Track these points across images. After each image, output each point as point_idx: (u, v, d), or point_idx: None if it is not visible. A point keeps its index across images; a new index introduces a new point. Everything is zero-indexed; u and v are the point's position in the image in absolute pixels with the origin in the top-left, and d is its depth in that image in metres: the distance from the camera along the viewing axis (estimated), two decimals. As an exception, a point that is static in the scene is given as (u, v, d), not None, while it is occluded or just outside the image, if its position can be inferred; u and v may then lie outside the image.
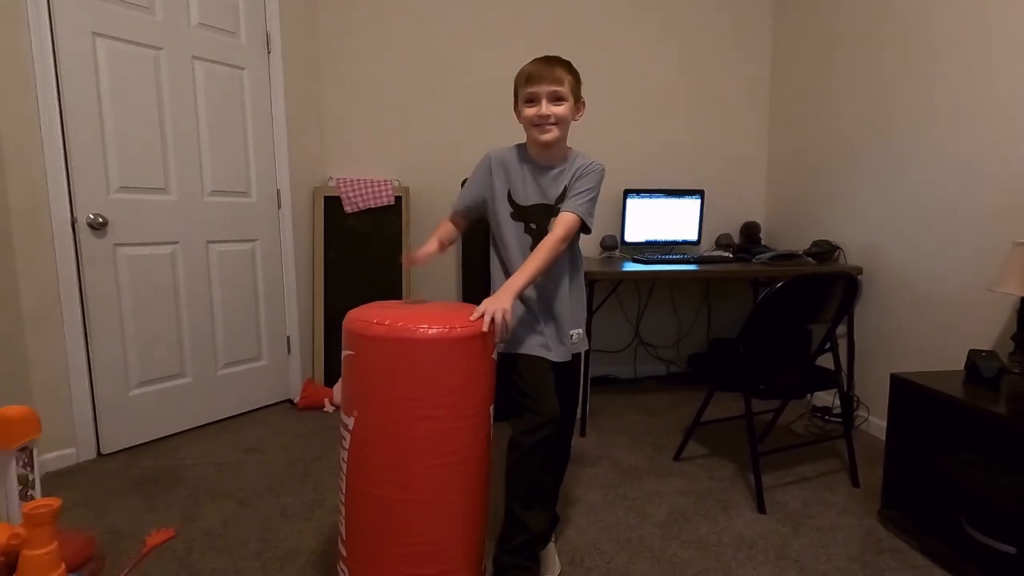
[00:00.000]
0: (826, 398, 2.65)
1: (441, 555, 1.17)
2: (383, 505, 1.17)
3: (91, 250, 2.06)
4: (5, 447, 1.13)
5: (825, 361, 2.09)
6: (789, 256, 2.58)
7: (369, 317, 1.17)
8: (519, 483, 1.29)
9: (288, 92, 2.60)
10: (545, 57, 1.37)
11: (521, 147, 1.45)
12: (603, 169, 1.42)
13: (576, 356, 1.49)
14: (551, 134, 1.35)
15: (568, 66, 1.37)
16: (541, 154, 1.41)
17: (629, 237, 2.94)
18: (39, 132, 1.91)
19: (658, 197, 2.95)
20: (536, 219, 1.41)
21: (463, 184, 1.53)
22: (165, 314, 2.27)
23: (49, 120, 1.93)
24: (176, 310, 2.31)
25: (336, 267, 2.78)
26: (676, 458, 2.17)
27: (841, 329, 2.32)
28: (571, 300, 1.45)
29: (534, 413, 1.29)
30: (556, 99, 1.34)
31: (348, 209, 2.77)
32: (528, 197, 1.42)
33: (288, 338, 2.71)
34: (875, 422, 2.39)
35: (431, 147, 2.90)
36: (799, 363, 2.12)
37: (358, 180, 2.79)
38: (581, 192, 1.37)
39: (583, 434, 2.39)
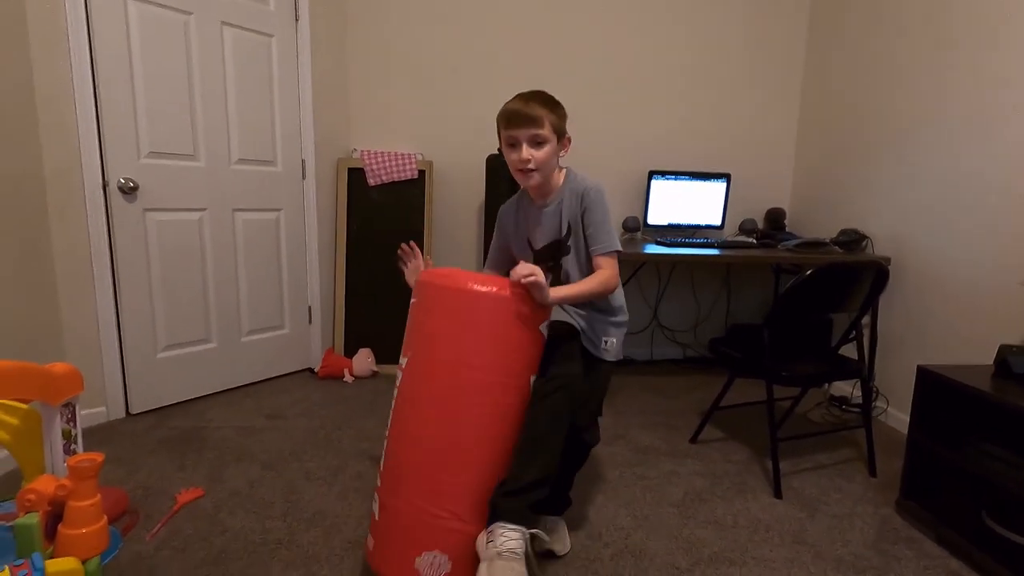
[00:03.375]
0: (844, 387, 2.64)
1: (451, 498, 1.20)
2: (412, 441, 1.23)
3: (122, 214, 2.08)
4: (51, 402, 1.17)
5: (847, 350, 2.08)
6: (816, 244, 2.55)
7: (439, 272, 1.28)
8: (528, 427, 1.24)
9: (315, 61, 2.58)
10: (524, 95, 1.33)
11: (523, 192, 1.49)
12: (602, 190, 1.39)
13: (607, 363, 1.50)
14: (533, 180, 1.35)
15: (549, 103, 1.33)
16: (535, 193, 1.44)
17: (652, 219, 2.92)
18: (72, 94, 1.92)
19: (683, 179, 2.91)
20: (551, 255, 1.45)
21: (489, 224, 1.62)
22: (192, 280, 2.30)
23: (82, 82, 1.94)
24: (203, 276, 2.34)
25: (359, 239, 2.79)
26: (692, 440, 2.19)
27: (863, 319, 2.30)
28: (604, 312, 1.48)
29: (556, 367, 1.29)
30: (536, 142, 1.31)
31: (371, 182, 2.77)
32: (541, 238, 1.45)
33: (310, 308, 2.74)
34: (893, 413, 2.39)
35: (456, 121, 2.88)
36: (820, 352, 2.11)
37: (382, 153, 2.78)
38: (595, 225, 1.37)
39: (599, 414, 2.40)
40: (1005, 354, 1.59)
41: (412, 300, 1.31)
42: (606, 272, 1.36)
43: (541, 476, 1.21)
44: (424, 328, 1.26)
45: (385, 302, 2.77)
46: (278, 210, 2.57)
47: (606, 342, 1.48)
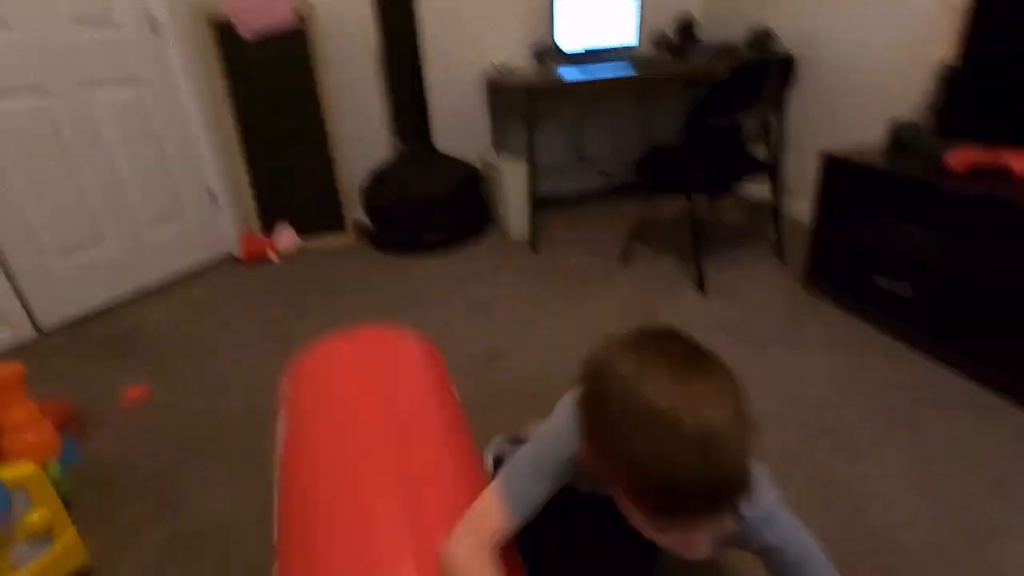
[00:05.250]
0: (756, 188, 2.82)
1: None
2: None
3: (-59, 105, 1.71)
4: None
5: (758, 160, 2.17)
6: (728, 51, 2.51)
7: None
8: None
9: None
10: (716, 468, 0.56)
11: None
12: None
13: None
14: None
15: (748, 455, 0.58)
16: None
17: (564, 46, 2.74)
18: None
19: (591, -7, 2.70)
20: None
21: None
22: (54, 174, 2.00)
23: None
24: (68, 168, 2.03)
25: (248, 107, 2.47)
26: (623, 260, 2.31)
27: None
28: None
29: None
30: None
31: (245, 35, 2.39)
32: None
33: (209, 189, 2.50)
34: (798, 206, 2.59)
35: (328, -53, 2.46)
36: (732, 153, 2.19)
37: (249, -4, 2.36)
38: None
39: (535, 250, 2.47)
40: (896, 128, 1.71)
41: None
42: None
43: None
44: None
45: (294, 171, 2.56)
46: (134, 81, 2.19)
47: None
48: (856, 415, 1.38)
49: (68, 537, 1.03)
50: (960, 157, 1.48)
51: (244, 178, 2.54)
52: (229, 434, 1.44)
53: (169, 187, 2.36)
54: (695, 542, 0.63)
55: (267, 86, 2.46)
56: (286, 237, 2.57)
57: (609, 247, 2.47)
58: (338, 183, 2.61)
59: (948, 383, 1.47)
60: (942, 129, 1.69)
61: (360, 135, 2.74)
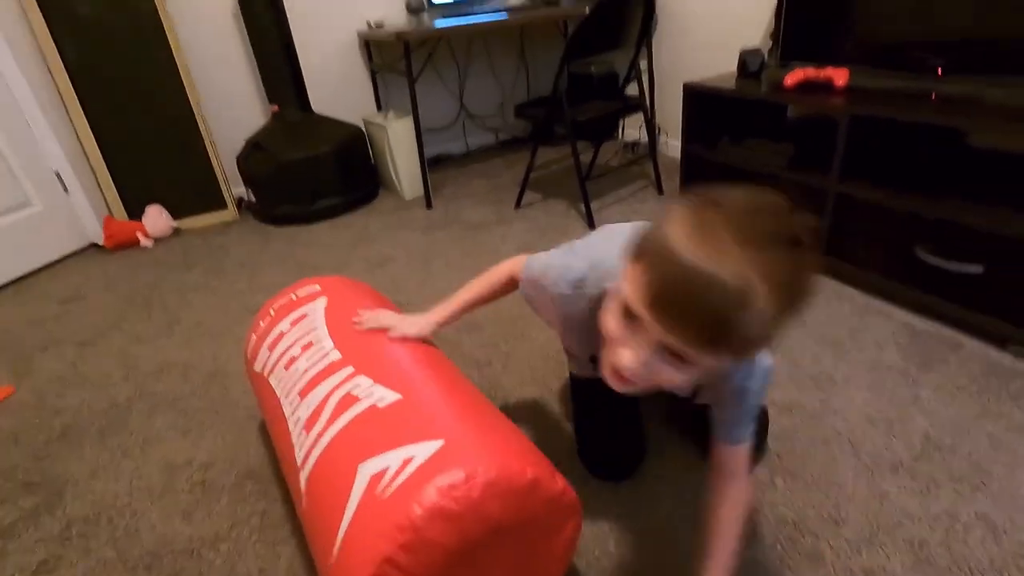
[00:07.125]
0: (634, 133, 2.98)
1: None
2: None
3: None
4: None
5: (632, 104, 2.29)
6: (593, -6, 2.59)
7: None
8: None
9: None
10: (716, 282, 0.53)
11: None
12: (766, 385, 0.81)
13: None
14: (627, 389, 0.67)
15: (781, 307, 0.55)
16: None
17: (435, -4, 2.70)
18: None
19: (457, -58, 2.67)
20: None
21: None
22: None
23: None
24: None
25: (86, 73, 2.21)
26: (516, 207, 2.37)
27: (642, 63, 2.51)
28: None
29: None
30: (685, 362, 0.59)
31: (72, -7, 2.12)
32: None
33: (58, 173, 2.23)
34: (672, 143, 2.78)
35: None
36: (610, 95, 2.31)
37: (70, -52, 2.09)
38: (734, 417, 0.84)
39: (429, 206, 2.47)
40: (743, 56, 1.88)
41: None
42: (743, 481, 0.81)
43: None
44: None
45: (157, 149, 2.35)
46: (-54, 50, 1.89)
47: None
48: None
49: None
50: (794, 76, 1.66)
51: (96, 156, 2.29)
52: (114, 420, 1.34)
53: (6, 174, 2.08)
54: (652, 371, 0.61)
55: (104, 46, 2.19)
56: (157, 219, 2.36)
57: (502, 195, 2.52)
58: (211, 158, 2.43)
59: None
60: (783, 54, 1.87)
61: (230, 104, 2.56)
